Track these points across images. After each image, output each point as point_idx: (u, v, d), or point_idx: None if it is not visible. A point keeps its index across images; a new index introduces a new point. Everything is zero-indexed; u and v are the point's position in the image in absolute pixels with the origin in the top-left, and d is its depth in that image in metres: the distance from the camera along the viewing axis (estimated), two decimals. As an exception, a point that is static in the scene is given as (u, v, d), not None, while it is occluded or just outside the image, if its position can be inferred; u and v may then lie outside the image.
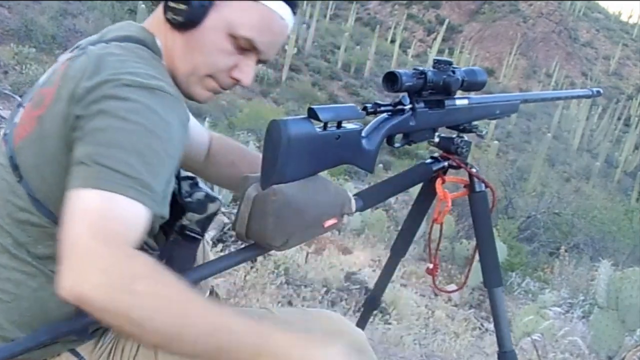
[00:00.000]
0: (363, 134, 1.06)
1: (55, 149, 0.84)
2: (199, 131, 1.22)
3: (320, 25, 29.74)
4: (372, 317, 2.59)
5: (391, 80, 1.10)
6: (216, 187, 3.66)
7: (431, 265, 1.39)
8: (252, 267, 2.95)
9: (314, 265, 3.68)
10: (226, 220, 3.48)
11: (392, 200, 8.02)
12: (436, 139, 1.27)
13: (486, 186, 1.33)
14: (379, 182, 1.24)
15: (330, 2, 38.35)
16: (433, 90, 1.17)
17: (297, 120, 0.93)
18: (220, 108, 14.02)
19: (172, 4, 0.92)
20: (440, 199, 1.28)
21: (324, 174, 1.04)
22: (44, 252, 0.88)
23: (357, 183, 9.18)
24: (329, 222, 1.00)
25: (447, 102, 1.22)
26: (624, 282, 3.55)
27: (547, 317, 3.99)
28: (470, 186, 1.33)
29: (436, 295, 4.92)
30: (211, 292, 1.57)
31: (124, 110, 0.79)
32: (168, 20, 0.93)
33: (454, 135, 1.29)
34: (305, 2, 30.33)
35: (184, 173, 1.11)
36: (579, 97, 1.65)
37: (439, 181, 1.28)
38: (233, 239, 3.31)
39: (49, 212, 0.86)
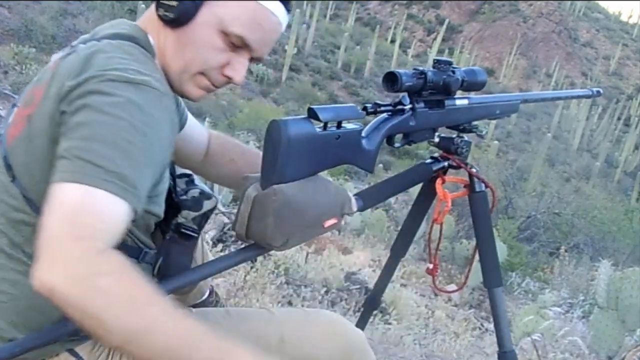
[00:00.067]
0: (363, 134, 1.06)
1: (43, 147, 0.84)
2: (198, 129, 1.22)
3: (320, 25, 29.74)
4: (372, 317, 2.59)
5: (391, 80, 1.10)
6: (216, 186, 3.67)
7: (431, 266, 1.39)
8: (252, 267, 2.95)
9: (314, 265, 3.68)
10: (226, 220, 3.48)
11: (392, 200, 8.02)
12: (436, 139, 1.26)
13: (486, 186, 1.33)
14: (379, 182, 1.24)
15: (330, 2, 38.36)
16: (433, 90, 1.17)
17: (297, 120, 0.93)
18: (220, 108, 14.02)
19: (164, 1, 0.91)
20: (440, 199, 1.27)
21: (324, 174, 1.04)
22: None
23: (357, 183, 9.19)
24: (329, 222, 1.00)
25: (447, 102, 1.22)
26: (624, 282, 3.55)
27: (547, 317, 4.00)
28: (470, 186, 1.33)
29: (436, 295, 4.92)
30: (211, 292, 1.56)
31: (107, 105, 0.79)
32: (160, 17, 0.92)
33: (454, 135, 1.29)
34: (305, 2, 30.34)
35: (180, 170, 1.11)
36: (579, 97, 1.65)
37: (439, 181, 1.28)
38: (233, 239, 3.31)
39: (42, 211, 0.87)
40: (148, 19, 0.96)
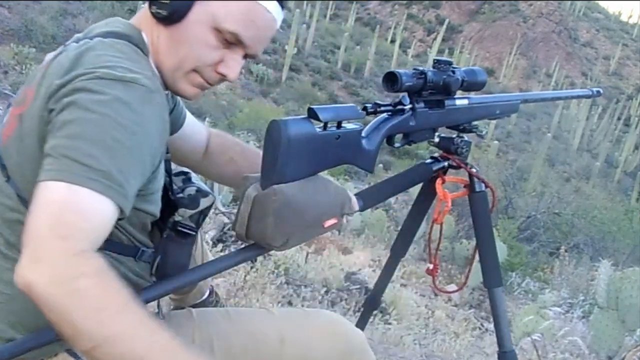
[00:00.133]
0: (363, 134, 1.06)
1: (34, 146, 0.84)
2: (197, 128, 1.22)
3: (320, 25, 29.73)
4: (372, 317, 2.59)
5: (391, 80, 1.10)
6: (216, 186, 3.67)
7: (431, 266, 1.39)
8: (252, 267, 2.95)
9: (314, 265, 3.68)
10: (226, 220, 3.48)
11: (392, 200, 8.02)
12: (436, 139, 1.26)
13: (486, 186, 1.33)
14: (379, 182, 1.24)
15: (330, 2, 38.35)
16: (433, 90, 1.16)
17: (297, 120, 0.93)
18: (220, 108, 14.03)
19: None
20: (440, 199, 1.27)
21: (324, 173, 1.03)
22: None
23: (357, 183, 9.19)
24: (329, 222, 1.00)
25: (447, 102, 1.22)
26: (624, 282, 3.55)
27: (547, 317, 4.00)
28: (470, 186, 1.33)
29: (436, 295, 4.92)
30: (211, 292, 1.56)
31: (94, 103, 0.78)
32: (153, 14, 0.92)
33: (454, 135, 1.29)
34: (305, 2, 30.34)
35: (177, 168, 1.10)
36: (579, 97, 1.65)
37: (439, 181, 1.28)
38: (233, 239, 3.31)
39: None
40: (142, 16, 0.96)
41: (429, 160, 1.30)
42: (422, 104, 1.17)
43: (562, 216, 9.44)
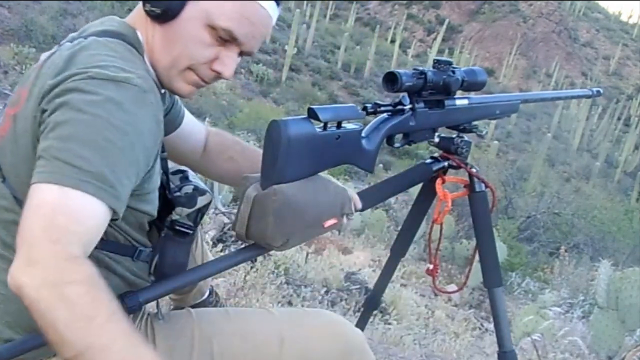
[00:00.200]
0: (363, 134, 1.07)
1: (27, 147, 0.84)
2: (195, 127, 1.22)
3: (320, 25, 29.73)
4: (372, 317, 2.59)
5: (391, 80, 1.10)
6: (216, 186, 3.66)
7: (431, 266, 1.39)
8: (252, 267, 2.95)
9: (314, 265, 3.68)
10: (226, 220, 3.47)
11: (392, 200, 8.02)
12: (436, 139, 1.27)
13: (486, 186, 1.33)
14: (379, 182, 1.25)
15: (330, 2, 38.34)
16: (433, 90, 1.17)
17: (297, 120, 0.93)
18: (220, 108, 14.01)
19: None
20: (440, 199, 1.27)
21: (324, 173, 1.03)
22: None
23: (357, 183, 9.18)
24: (329, 222, 1.00)
25: (447, 102, 1.22)
26: (624, 282, 3.55)
27: (547, 317, 4.00)
28: (470, 186, 1.33)
29: (436, 295, 4.92)
30: (211, 292, 1.56)
31: (86, 103, 0.78)
32: (147, 12, 0.91)
33: (454, 135, 1.29)
34: (305, 2, 30.33)
35: (174, 167, 1.10)
36: (579, 97, 1.65)
37: (439, 181, 1.28)
38: (233, 239, 3.30)
39: None
40: (137, 15, 0.95)
41: (429, 160, 1.30)
42: (422, 104, 1.17)
43: (562, 216, 9.45)
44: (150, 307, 1.05)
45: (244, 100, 16.31)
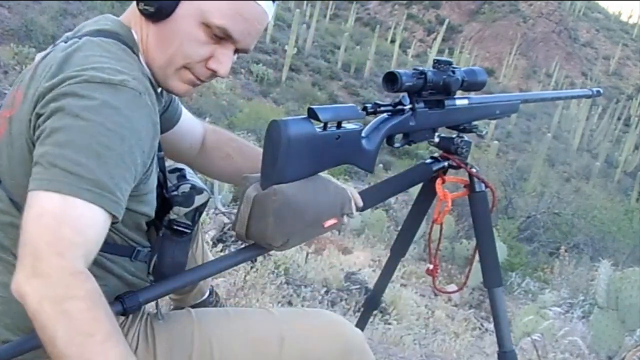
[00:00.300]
0: (363, 134, 1.07)
1: (23, 150, 0.84)
2: (193, 124, 1.21)
3: (320, 25, 29.71)
4: (372, 317, 2.59)
5: (391, 80, 1.10)
6: (216, 186, 3.65)
7: (431, 266, 1.39)
8: (252, 267, 2.95)
9: (314, 265, 3.68)
10: (226, 220, 3.48)
11: (392, 200, 8.02)
12: (436, 139, 1.27)
13: (486, 186, 1.33)
14: (379, 182, 1.25)
15: (330, 2, 38.33)
16: (433, 90, 1.17)
17: (297, 120, 0.93)
18: (220, 108, 14.01)
19: None
20: (440, 199, 1.28)
21: (324, 173, 1.03)
22: None
23: (357, 183, 9.18)
24: (329, 222, 1.00)
25: (447, 102, 1.22)
26: (624, 282, 3.55)
27: (547, 317, 4.00)
28: (470, 186, 1.33)
29: (436, 295, 4.92)
30: (211, 292, 1.56)
31: (82, 109, 0.77)
32: (140, 11, 0.90)
33: (454, 135, 1.29)
34: (305, 2, 30.33)
35: (172, 165, 1.09)
36: (579, 97, 1.65)
37: (439, 181, 1.28)
38: (233, 239, 3.30)
39: None
40: (131, 13, 0.94)
41: (429, 160, 1.30)
42: (422, 104, 1.17)
43: (562, 216, 9.45)
44: (150, 307, 1.05)
45: (244, 100, 16.30)
